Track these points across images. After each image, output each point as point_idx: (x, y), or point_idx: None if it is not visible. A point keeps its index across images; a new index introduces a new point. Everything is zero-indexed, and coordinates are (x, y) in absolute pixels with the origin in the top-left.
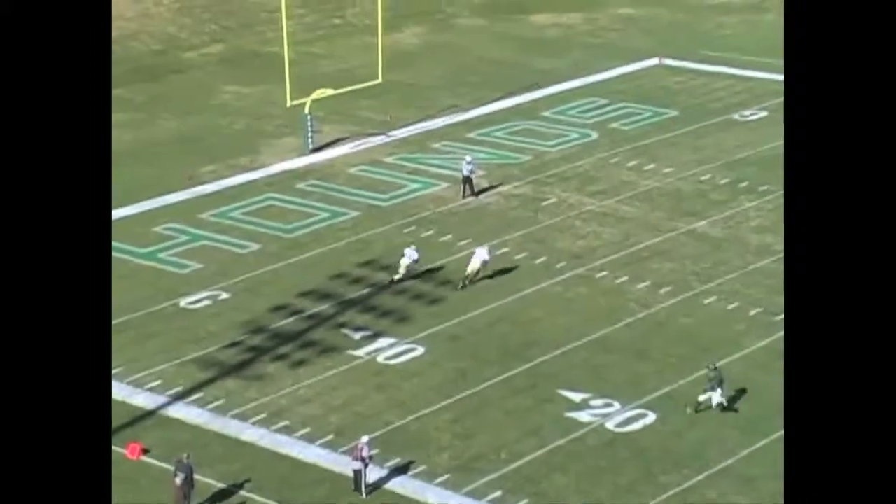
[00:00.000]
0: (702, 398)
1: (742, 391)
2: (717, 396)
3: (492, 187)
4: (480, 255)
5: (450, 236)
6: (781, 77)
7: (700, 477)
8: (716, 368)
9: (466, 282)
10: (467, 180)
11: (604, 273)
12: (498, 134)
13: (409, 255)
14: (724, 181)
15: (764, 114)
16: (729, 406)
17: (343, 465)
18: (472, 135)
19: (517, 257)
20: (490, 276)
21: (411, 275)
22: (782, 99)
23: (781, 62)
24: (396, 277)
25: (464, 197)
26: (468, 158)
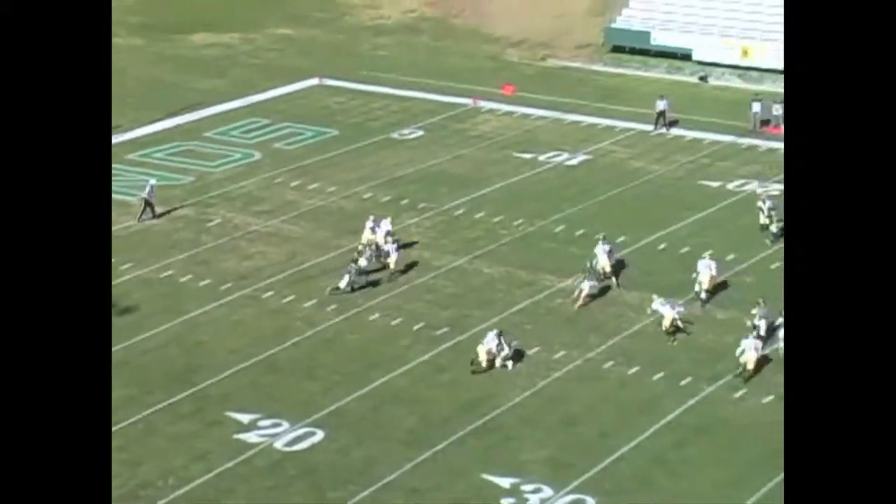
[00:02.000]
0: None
1: (409, 406)
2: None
3: (153, 209)
4: None
5: (112, 259)
6: (438, 97)
7: (367, 492)
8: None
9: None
10: (148, 203)
11: (270, 293)
12: (158, 155)
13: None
14: (385, 199)
15: (421, 133)
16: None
17: None
18: (132, 156)
19: (182, 280)
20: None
21: None
22: (439, 118)
23: (437, 82)
24: None
25: (139, 220)
26: (151, 182)
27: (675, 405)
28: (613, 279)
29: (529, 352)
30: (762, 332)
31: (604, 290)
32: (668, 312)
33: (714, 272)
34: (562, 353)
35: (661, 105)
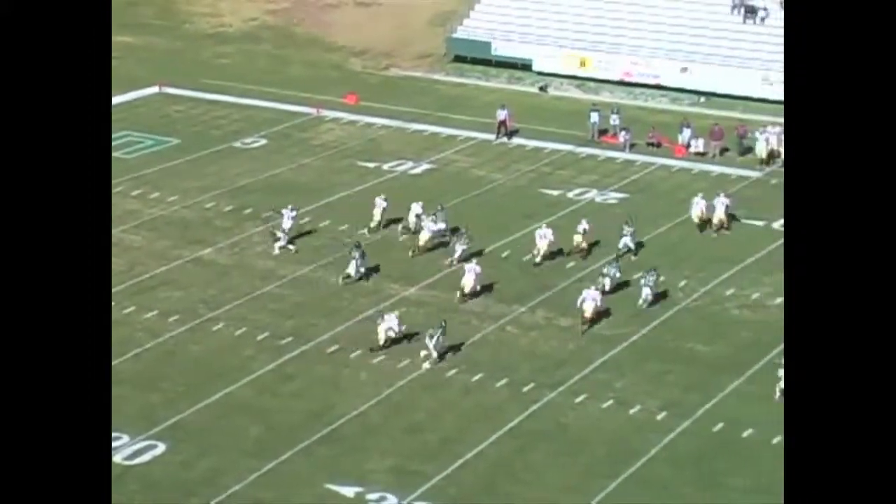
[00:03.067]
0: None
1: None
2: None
3: None
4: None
5: None
6: (280, 105)
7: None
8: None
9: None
10: None
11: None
12: None
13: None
14: (228, 208)
15: (264, 141)
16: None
17: None
18: None
19: None
20: None
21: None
22: (282, 127)
23: (280, 91)
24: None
25: None
26: None
27: (517, 411)
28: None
29: (373, 361)
30: (606, 288)
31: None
32: (590, 304)
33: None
34: (406, 361)
35: (501, 115)
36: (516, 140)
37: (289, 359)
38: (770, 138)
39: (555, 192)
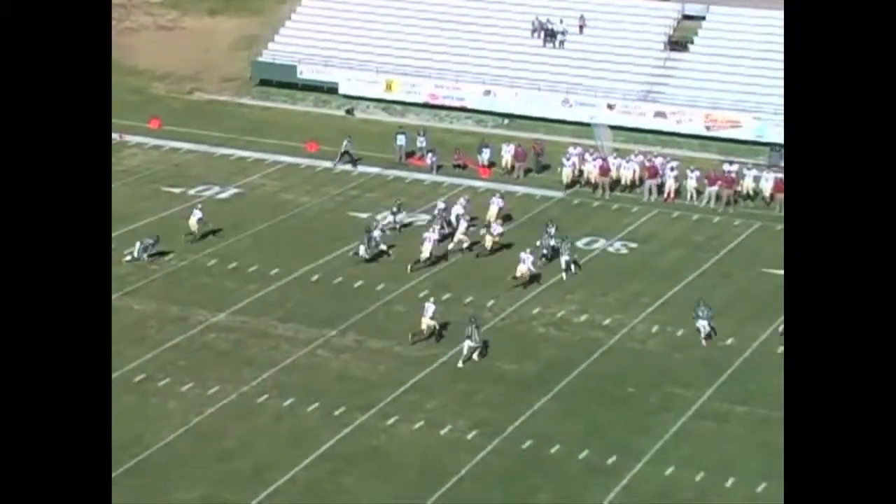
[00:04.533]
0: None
1: None
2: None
3: None
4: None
5: None
6: None
7: None
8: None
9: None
10: None
11: None
12: None
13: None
14: None
15: None
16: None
17: None
18: None
19: None
20: None
21: None
22: None
23: None
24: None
25: None
26: None
27: (329, 435)
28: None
29: (182, 388)
30: (545, 253)
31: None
32: (524, 266)
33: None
34: (216, 388)
35: (346, 145)
36: (324, 163)
37: None
38: (575, 161)
39: (363, 215)
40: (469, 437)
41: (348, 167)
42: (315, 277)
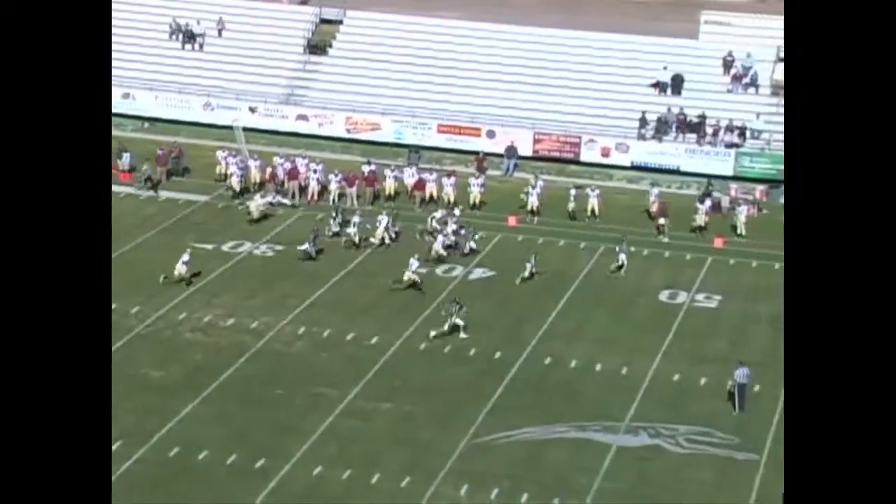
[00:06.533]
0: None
1: None
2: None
3: None
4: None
5: None
6: None
7: None
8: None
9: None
10: None
11: None
12: None
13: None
14: None
15: None
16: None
17: None
18: None
19: None
20: None
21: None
22: None
23: None
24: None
25: None
26: None
27: None
28: None
29: None
30: (449, 232)
31: None
32: (411, 271)
33: None
34: None
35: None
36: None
37: None
38: (230, 164)
39: None
40: (115, 447)
41: None
42: None
